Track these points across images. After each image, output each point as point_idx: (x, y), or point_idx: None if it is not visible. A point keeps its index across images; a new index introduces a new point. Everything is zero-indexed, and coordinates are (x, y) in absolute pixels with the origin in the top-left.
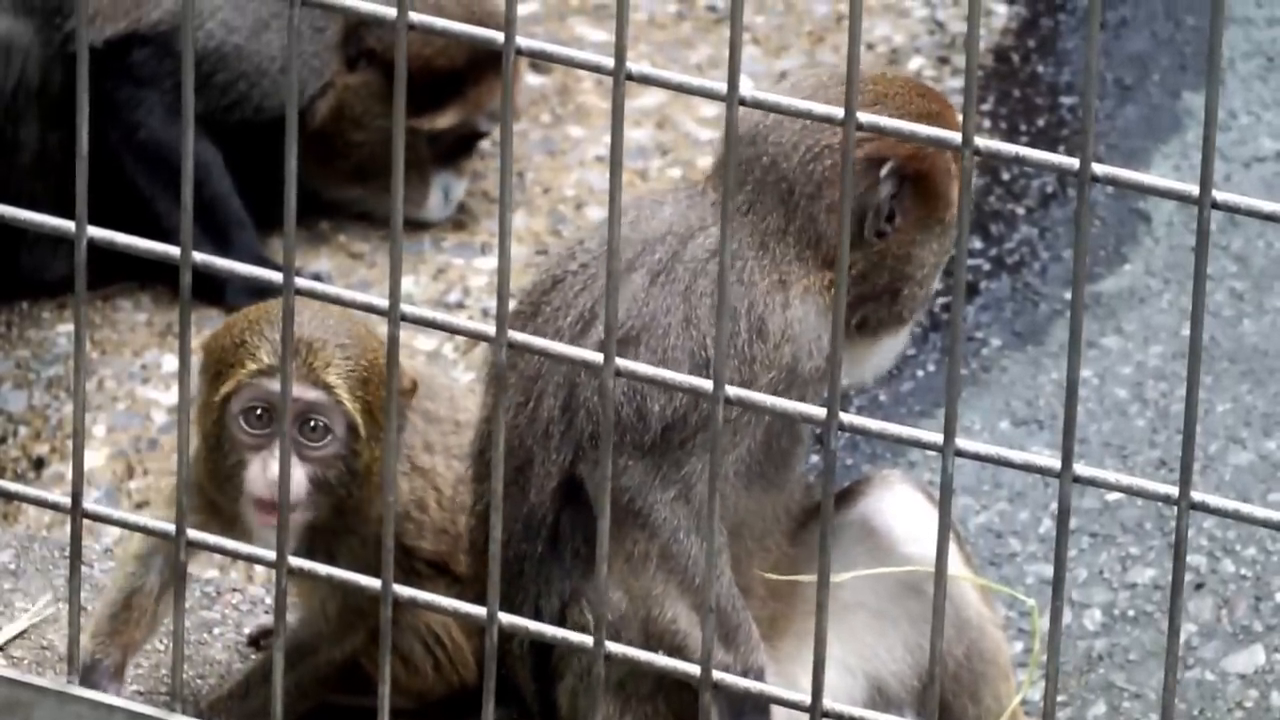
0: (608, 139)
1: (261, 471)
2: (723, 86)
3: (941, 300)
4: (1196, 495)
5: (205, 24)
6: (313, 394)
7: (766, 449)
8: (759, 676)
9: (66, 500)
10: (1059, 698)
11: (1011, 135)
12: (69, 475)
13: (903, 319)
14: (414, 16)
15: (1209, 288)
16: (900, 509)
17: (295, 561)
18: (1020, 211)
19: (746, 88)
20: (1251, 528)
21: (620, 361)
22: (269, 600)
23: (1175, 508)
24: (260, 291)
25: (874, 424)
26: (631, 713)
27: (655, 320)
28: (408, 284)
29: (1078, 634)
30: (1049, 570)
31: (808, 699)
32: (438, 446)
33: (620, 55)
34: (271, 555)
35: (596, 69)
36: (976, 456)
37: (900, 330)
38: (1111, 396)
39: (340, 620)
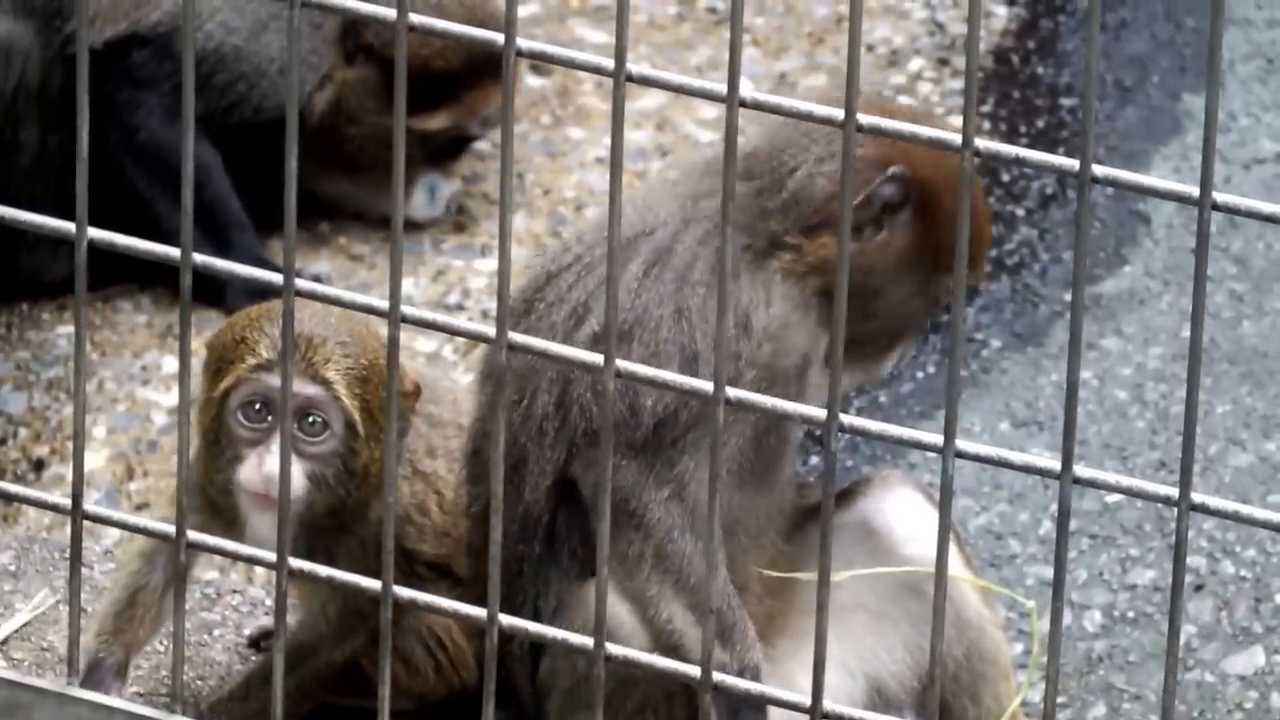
0: (608, 140)
1: (257, 464)
2: (723, 88)
3: None
4: (1196, 497)
5: (204, 25)
6: (311, 389)
7: (756, 447)
8: (755, 674)
9: (66, 502)
10: (1059, 699)
11: (1011, 137)
12: (69, 477)
13: (868, 354)
14: (414, 18)
15: (1209, 289)
16: (900, 510)
17: (295, 563)
18: (1020, 213)
19: (746, 89)
20: (1251, 529)
21: (621, 363)
22: (269, 602)
23: (1175, 509)
24: (260, 293)
25: (874, 425)
26: None
27: (648, 313)
28: (408, 286)
29: (1078, 635)
30: (1049, 572)
31: (807, 699)
32: (440, 450)
33: (620, 57)
34: (272, 557)
35: (597, 70)
36: (976, 458)
37: (868, 366)
38: (1111, 398)
39: (340, 622)
